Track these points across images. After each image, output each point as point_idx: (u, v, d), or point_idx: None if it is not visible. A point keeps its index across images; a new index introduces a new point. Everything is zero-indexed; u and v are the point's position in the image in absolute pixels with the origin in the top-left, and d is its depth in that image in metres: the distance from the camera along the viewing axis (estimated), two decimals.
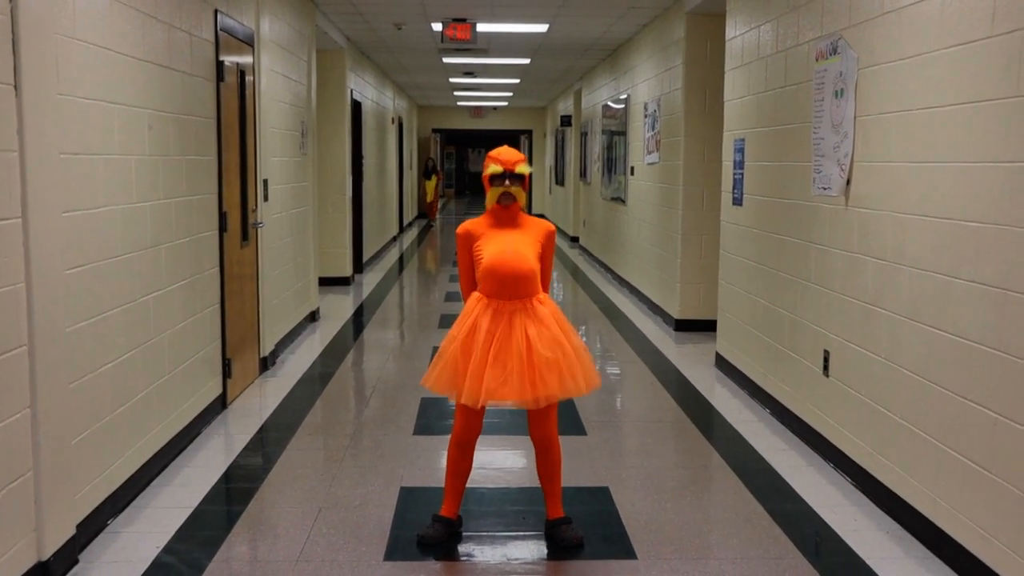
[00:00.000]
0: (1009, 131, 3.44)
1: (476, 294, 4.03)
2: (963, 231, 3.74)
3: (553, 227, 4.19)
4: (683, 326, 9.01)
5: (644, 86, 10.80)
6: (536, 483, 4.70)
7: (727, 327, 7.23)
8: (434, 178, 25.28)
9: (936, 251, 3.95)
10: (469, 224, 4.13)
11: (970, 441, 3.69)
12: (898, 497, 4.29)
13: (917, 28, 4.14)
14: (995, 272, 3.52)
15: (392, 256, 16.37)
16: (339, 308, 10.43)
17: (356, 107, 12.93)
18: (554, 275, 14.14)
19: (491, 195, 4.06)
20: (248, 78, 6.71)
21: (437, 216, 27.08)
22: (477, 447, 5.37)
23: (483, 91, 20.62)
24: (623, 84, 12.30)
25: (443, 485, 4.23)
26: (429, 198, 25.50)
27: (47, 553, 3.59)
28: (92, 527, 4.03)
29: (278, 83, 7.76)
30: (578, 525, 4.13)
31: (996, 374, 3.51)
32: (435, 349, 8.04)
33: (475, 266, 4.06)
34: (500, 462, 5.18)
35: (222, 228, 5.99)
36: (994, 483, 3.52)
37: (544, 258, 4.08)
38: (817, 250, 5.29)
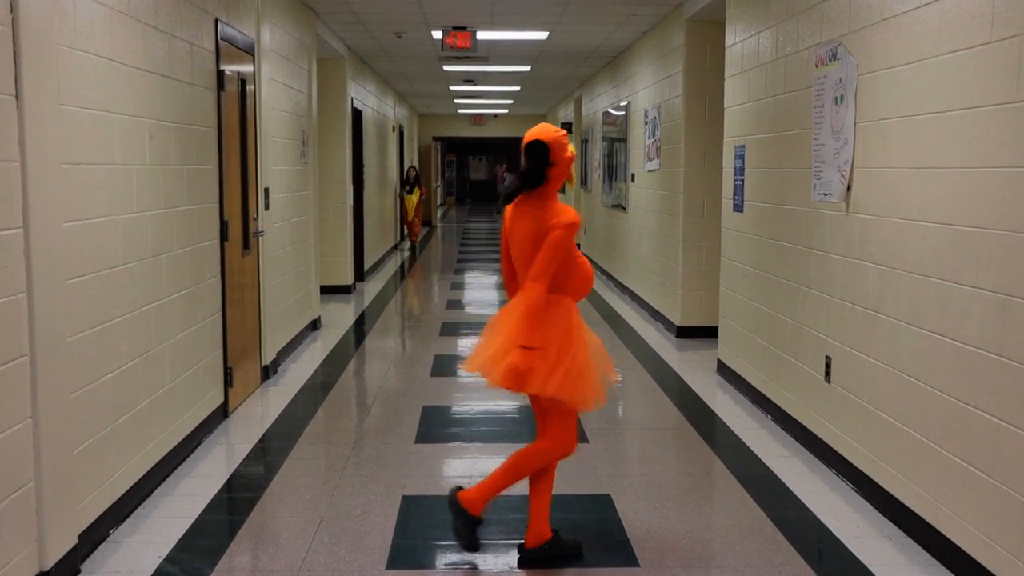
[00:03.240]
0: (1009, 136, 3.44)
1: (567, 301, 3.81)
2: (964, 237, 3.74)
3: None
4: (684, 333, 9.00)
5: (644, 93, 10.81)
6: None
7: (728, 334, 7.23)
8: (417, 192, 19.28)
9: (937, 257, 3.95)
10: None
11: (972, 447, 3.69)
12: (900, 503, 4.28)
13: (916, 34, 4.15)
14: (996, 278, 3.52)
15: (393, 264, 16.37)
16: (340, 316, 10.43)
17: (357, 115, 12.94)
18: None
19: (566, 177, 3.83)
20: (249, 87, 6.72)
21: (429, 230, 23.32)
22: (477, 455, 5.39)
23: (484, 99, 20.65)
24: (623, 91, 12.32)
25: (444, 494, 4.22)
26: (410, 216, 19.27)
27: (49, 563, 3.58)
28: (94, 537, 4.03)
29: (279, 92, 7.77)
30: (580, 533, 4.12)
31: (997, 380, 3.51)
32: (436, 357, 8.10)
33: (566, 263, 3.78)
34: None
35: (223, 237, 5.99)
36: (996, 489, 3.52)
37: None
38: (818, 256, 5.29)
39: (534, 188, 3.78)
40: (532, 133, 3.82)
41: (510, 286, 4.04)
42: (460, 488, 3.98)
